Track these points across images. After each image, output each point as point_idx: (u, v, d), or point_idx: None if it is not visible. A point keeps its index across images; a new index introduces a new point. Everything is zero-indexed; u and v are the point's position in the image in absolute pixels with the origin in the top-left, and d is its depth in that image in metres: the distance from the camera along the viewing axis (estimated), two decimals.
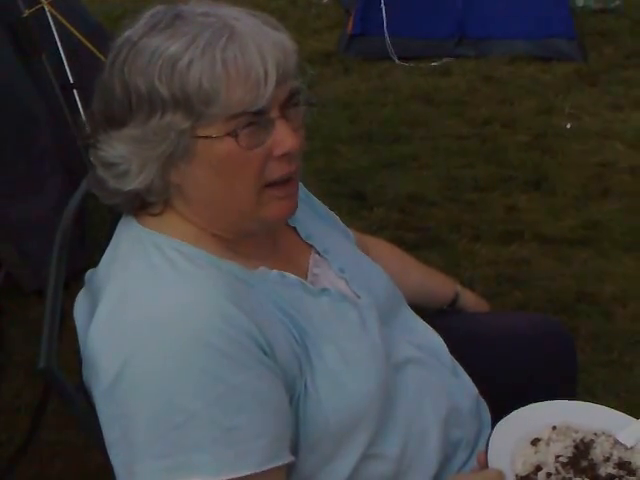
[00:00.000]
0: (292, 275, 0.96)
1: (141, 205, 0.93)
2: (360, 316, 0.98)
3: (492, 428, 1.03)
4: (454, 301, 1.39)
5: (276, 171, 0.89)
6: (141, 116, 0.85)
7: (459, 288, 1.41)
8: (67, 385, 0.88)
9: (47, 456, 1.83)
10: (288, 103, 0.88)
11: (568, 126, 3.47)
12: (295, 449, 0.89)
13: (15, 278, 2.34)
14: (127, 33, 0.88)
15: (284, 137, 0.87)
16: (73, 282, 1.00)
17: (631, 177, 3.03)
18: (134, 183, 0.88)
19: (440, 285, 1.40)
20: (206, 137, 0.85)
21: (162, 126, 0.85)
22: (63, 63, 2.71)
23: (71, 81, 2.71)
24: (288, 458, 0.87)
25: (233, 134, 0.85)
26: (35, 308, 2.25)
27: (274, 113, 0.87)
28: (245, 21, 0.87)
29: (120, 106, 0.87)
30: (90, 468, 1.78)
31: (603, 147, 3.27)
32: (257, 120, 0.86)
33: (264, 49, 0.85)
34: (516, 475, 0.93)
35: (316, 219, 1.10)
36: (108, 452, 0.86)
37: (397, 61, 4.12)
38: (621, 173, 3.05)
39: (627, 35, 4.38)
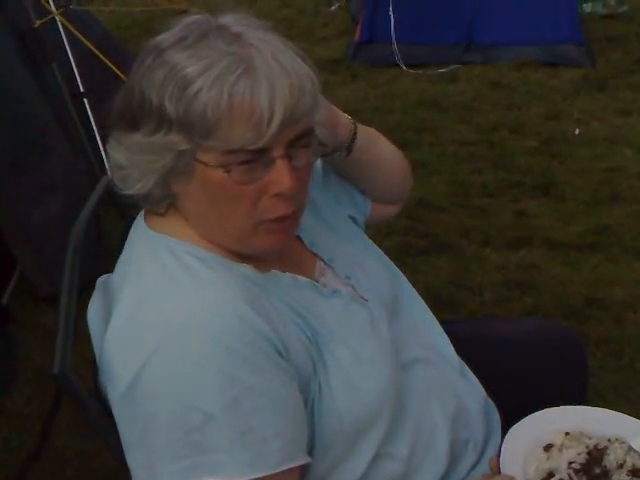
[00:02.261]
0: (304, 277, 0.97)
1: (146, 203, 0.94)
2: (370, 317, 0.99)
3: (502, 433, 1.03)
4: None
5: (271, 211, 0.88)
6: (150, 127, 0.86)
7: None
8: (81, 390, 0.88)
9: (58, 462, 1.84)
10: (295, 143, 0.87)
11: (576, 131, 3.46)
12: (310, 450, 0.90)
13: (29, 282, 2.35)
14: (160, 38, 0.88)
15: (281, 177, 0.86)
16: (85, 290, 1.00)
17: None
18: (133, 189, 0.90)
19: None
20: (203, 163, 0.86)
21: (164, 143, 0.86)
22: (73, 72, 2.74)
23: (81, 90, 2.73)
24: (304, 459, 0.88)
25: (226, 169, 0.85)
26: (46, 315, 2.26)
27: (277, 152, 0.86)
28: (269, 54, 0.85)
29: (136, 110, 0.88)
30: (101, 474, 1.78)
31: (612, 152, 3.27)
32: (255, 157, 0.85)
33: (276, 90, 0.83)
34: None
35: (321, 225, 1.09)
36: (126, 455, 0.87)
37: (404, 68, 4.13)
38: (630, 178, 3.05)
39: (635, 40, 4.37)
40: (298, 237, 1.05)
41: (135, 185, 0.89)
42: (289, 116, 0.84)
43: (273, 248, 0.93)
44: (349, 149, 1.08)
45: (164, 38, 0.88)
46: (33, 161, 2.37)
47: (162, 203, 0.92)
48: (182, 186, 0.90)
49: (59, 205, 2.37)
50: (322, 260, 1.04)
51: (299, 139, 0.88)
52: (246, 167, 0.86)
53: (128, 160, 0.89)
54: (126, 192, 0.91)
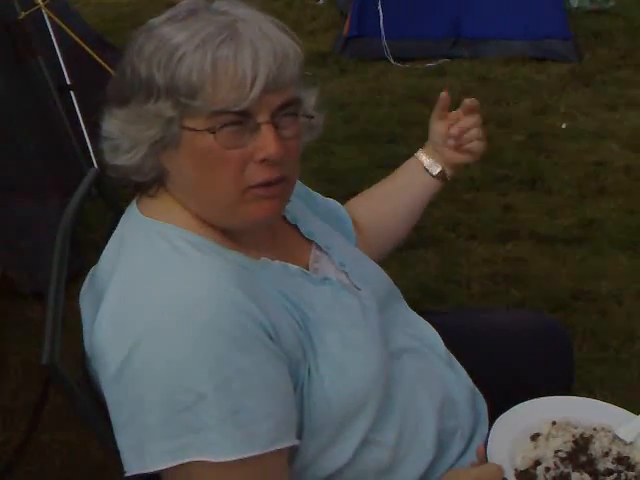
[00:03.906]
0: (294, 265, 0.98)
1: (137, 186, 0.96)
2: (360, 305, 1.00)
3: (489, 423, 1.04)
4: (431, 171, 1.26)
5: (257, 175, 0.90)
6: (140, 98, 0.89)
7: (421, 157, 1.27)
8: (70, 381, 0.88)
9: (45, 455, 1.83)
10: (281, 111, 0.90)
11: (563, 126, 3.48)
12: (298, 434, 0.91)
13: (12, 279, 2.34)
14: (152, 20, 0.92)
15: (267, 143, 0.88)
16: (70, 284, 1.00)
17: (626, 176, 3.04)
18: (123, 159, 0.91)
19: (407, 179, 1.28)
20: (190, 129, 0.88)
21: (154, 112, 0.88)
22: (60, 65, 2.72)
23: (68, 82, 2.71)
24: (293, 441, 0.89)
25: (211, 130, 0.87)
26: (32, 309, 2.25)
27: (262, 118, 0.88)
28: (255, 24, 0.89)
29: (128, 85, 0.90)
30: (88, 467, 1.78)
31: (598, 146, 3.29)
32: (240, 121, 0.87)
33: (260, 54, 0.86)
34: (515, 469, 0.94)
35: (316, 219, 1.12)
36: (116, 437, 0.87)
37: (393, 62, 4.14)
38: (616, 172, 3.07)
39: (621, 35, 4.40)
40: (295, 226, 1.06)
41: (125, 155, 0.91)
42: (272, 81, 0.87)
43: (263, 217, 0.93)
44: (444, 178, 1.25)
45: (155, 19, 0.91)
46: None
47: (151, 179, 0.93)
48: (171, 160, 0.91)
49: (30, 203, 2.34)
50: (319, 247, 1.05)
51: (285, 107, 0.90)
52: (231, 130, 0.87)
53: (119, 130, 0.91)
54: (115, 162, 0.92)
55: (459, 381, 1.09)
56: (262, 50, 0.86)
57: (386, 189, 1.30)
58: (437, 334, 1.12)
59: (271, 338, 0.87)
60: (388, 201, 1.28)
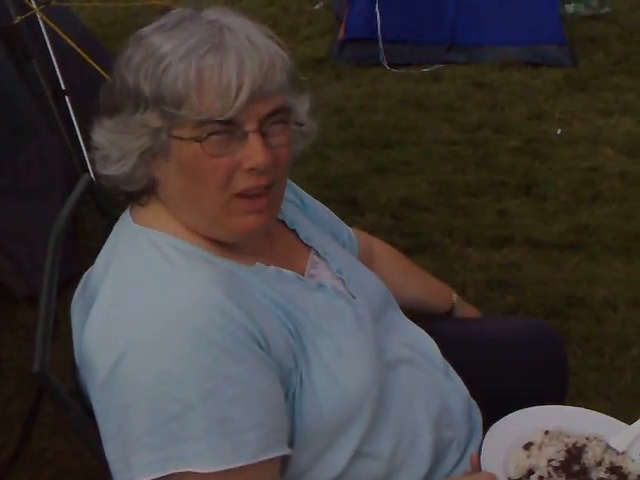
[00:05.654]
0: (289, 271, 0.97)
1: (128, 195, 0.96)
2: (355, 313, 1.00)
3: (484, 432, 1.04)
4: (449, 312, 1.40)
5: (243, 183, 0.90)
6: (129, 109, 0.89)
7: (455, 300, 1.41)
8: (61, 389, 0.88)
9: (38, 463, 1.82)
10: (269, 119, 0.89)
11: (558, 131, 3.49)
12: (290, 443, 0.90)
13: (5, 285, 2.33)
14: (142, 29, 0.92)
15: (254, 152, 0.88)
16: (64, 290, 1.00)
17: (621, 182, 3.05)
18: (113, 169, 0.92)
19: (436, 300, 1.40)
20: (178, 138, 0.88)
21: (141, 122, 0.89)
22: (55, 70, 2.71)
23: (63, 87, 2.70)
24: (284, 450, 0.88)
25: (198, 139, 0.87)
26: (26, 314, 2.24)
27: (249, 126, 0.88)
28: (242, 32, 0.88)
29: (117, 95, 0.91)
30: (82, 475, 1.77)
31: (593, 152, 3.30)
32: (227, 130, 0.88)
33: (245, 63, 0.86)
34: (508, 479, 0.94)
35: (313, 226, 1.12)
36: (104, 447, 0.87)
37: (388, 67, 4.14)
38: (611, 178, 3.07)
39: (616, 41, 4.41)
40: (294, 231, 1.06)
41: (114, 165, 0.92)
42: (258, 89, 0.86)
43: (248, 230, 0.93)
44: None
45: (145, 28, 0.92)
46: None
47: (142, 189, 0.93)
48: (161, 169, 0.91)
49: (24, 207, 2.34)
50: (317, 253, 1.05)
51: (273, 115, 0.90)
52: (218, 139, 0.87)
53: (108, 140, 0.91)
54: (106, 172, 0.93)
55: (456, 391, 1.09)
56: (248, 59, 0.86)
57: (411, 294, 1.31)
58: (433, 343, 1.11)
59: (261, 347, 0.87)
60: (405, 280, 1.32)
